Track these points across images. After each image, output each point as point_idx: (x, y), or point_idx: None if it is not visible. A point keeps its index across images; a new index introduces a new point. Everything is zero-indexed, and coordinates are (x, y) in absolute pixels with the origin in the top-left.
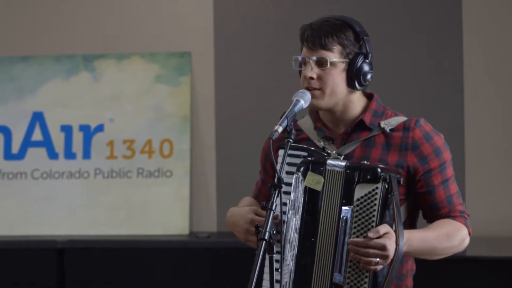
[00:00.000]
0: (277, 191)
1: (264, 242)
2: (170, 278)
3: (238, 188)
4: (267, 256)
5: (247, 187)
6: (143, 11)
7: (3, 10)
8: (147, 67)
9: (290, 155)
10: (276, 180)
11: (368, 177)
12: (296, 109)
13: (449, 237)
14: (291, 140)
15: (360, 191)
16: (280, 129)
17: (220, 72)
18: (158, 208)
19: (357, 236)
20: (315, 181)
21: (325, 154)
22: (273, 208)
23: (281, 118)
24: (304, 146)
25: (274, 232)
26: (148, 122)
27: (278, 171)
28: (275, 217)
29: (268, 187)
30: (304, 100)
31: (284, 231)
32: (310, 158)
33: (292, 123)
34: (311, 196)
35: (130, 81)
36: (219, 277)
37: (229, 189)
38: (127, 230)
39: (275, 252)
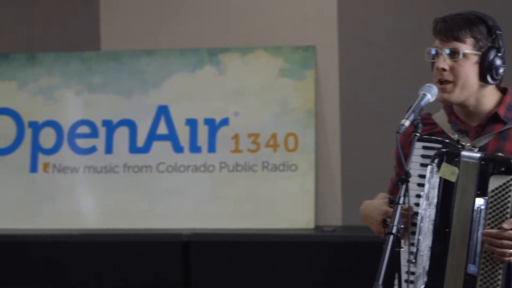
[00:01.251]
0: (404, 185)
1: (392, 236)
2: (295, 271)
3: (363, 182)
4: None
5: (372, 180)
6: (267, 5)
7: (128, 4)
8: (272, 61)
9: (425, 148)
10: (404, 174)
11: (503, 168)
12: (423, 103)
13: None
14: (417, 134)
15: (494, 183)
16: (407, 123)
17: (344, 65)
18: (283, 202)
19: (491, 228)
20: (449, 172)
21: (459, 146)
22: (401, 202)
23: (407, 111)
24: (439, 138)
25: (402, 226)
26: (273, 116)
27: (405, 164)
28: (405, 209)
29: (395, 181)
30: (431, 94)
31: (418, 222)
32: (444, 150)
33: (419, 117)
34: (445, 187)
35: (254, 74)
36: (343, 271)
37: (354, 182)
38: (252, 223)
39: (403, 246)
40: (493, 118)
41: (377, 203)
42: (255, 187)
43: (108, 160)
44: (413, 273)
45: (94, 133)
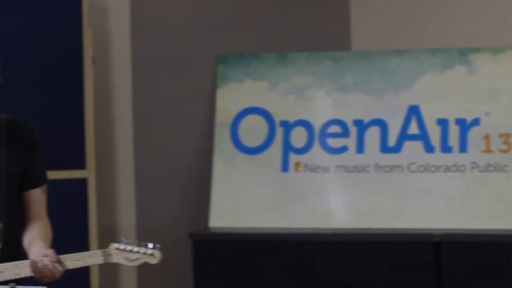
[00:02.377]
0: None
1: None
2: None
3: None
4: None
5: None
6: None
7: (379, 4)
8: None
9: None
10: None
11: None
12: None
13: None
14: None
15: None
16: None
17: None
18: None
19: None
20: None
21: None
22: None
23: None
24: None
25: None
26: None
27: None
28: None
29: None
30: None
31: None
32: None
33: None
34: None
35: (506, 74)
36: None
37: None
38: (505, 225)
39: None
40: None
41: None
42: (507, 188)
43: (359, 159)
44: None
45: (345, 133)
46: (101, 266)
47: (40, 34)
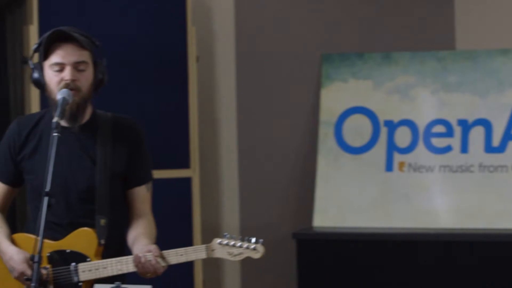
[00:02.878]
0: None
1: None
2: None
3: None
4: None
5: None
6: None
7: (484, 3)
8: None
9: None
10: None
11: None
12: None
13: None
14: None
15: None
16: None
17: None
18: None
19: None
20: None
21: None
22: None
23: None
24: None
25: None
26: None
27: None
28: None
29: None
30: None
31: None
32: None
33: None
34: None
35: None
36: None
37: None
38: None
39: None
40: None
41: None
42: None
43: (464, 159)
44: None
45: (449, 133)
46: (204, 263)
47: (145, 34)
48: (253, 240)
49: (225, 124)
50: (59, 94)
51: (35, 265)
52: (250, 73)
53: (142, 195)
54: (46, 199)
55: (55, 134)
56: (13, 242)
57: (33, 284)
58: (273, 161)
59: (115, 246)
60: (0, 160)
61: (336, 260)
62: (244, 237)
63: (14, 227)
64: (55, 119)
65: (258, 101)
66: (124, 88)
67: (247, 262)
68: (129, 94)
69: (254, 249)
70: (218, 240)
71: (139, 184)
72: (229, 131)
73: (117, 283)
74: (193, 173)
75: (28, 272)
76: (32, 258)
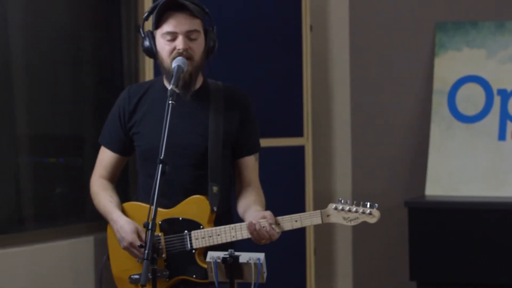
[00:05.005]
0: None
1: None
2: None
3: None
4: None
5: None
6: None
7: None
8: None
9: None
10: None
11: None
12: None
13: None
14: None
15: None
16: None
17: None
18: None
19: None
20: None
21: None
22: None
23: None
24: None
25: None
26: None
27: None
28: None
29: None
30: None
31: None
32: None
33: None
34: None
35: None
36: None
37: None
38: None
39: None
40: None
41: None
42: None
43: None
44: None
45: None
46: (316, 231)
47: (259, 3)
48: (368, 204)
49: (338, 92)
50: (174, 62)
51: (149, 232)
52: (364, 42)
53: (251, 164)
54: (160, 166)
55: (170, 102)
56: (124, 211)
57: (146, 251)
58: (385, 129)
59: (226, 213)
60: (110, 128)
61: (447, 229)
62: (359, 202)
63: (126, 196)
64: (170, 87)
65: (371, 70)
66: (239, 57)
67: (358, 230)
68: (244, 63)
69: (370, 213)
70: (333, 205)
71: (249, 153)
72: (342, 100)
73: (231, 250)
74: (306, 141)
75: (137, 242)
76: (145, 225)
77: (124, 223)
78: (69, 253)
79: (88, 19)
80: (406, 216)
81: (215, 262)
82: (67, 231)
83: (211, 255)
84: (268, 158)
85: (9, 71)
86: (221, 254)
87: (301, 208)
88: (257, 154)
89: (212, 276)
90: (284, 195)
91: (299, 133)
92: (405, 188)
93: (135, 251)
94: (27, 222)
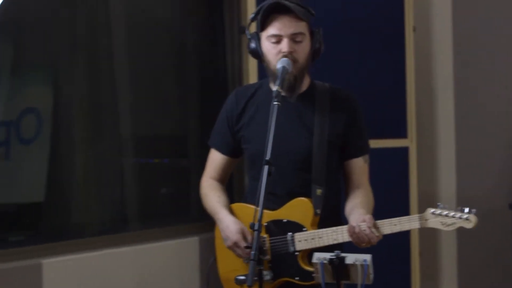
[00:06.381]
0: None
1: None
2: None
3: None
4: None
5: None
6: None
7: None
8: None
9: None
10: None
11: None
12: None
13: None
14: None
15: None
16: None
17: None
18: None
19: None
20: None
21: None
22: None
23: None
24: None
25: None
26: None
27: None
28: None
29: None
30: None
31: None
32: None
33: None
34: None
35: None
36: None
37: None
38: None
39: None
40: None
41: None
42: None
43: None
44: None
45: None
46: (420, 234)
47: (363, 4)
48: (466, 210)
49: (442, 93)
50: (279, 63)
51: (255, 233)
52: (467, 42)
53: (359, 166)
54: (266, 168)
55: (276, 103)
56: (231, 211)
57: (253, 252)
58: (490, 130)
59: (331, 216)
60: (219, 131)
61: None
62: (457, 207)
63: (231, 198)
64: (275, 88)
65: (475, 70)
66: (342, 59)
67: (463, 233)
68: (347, 64)
69: (467, 219)
70: (431, 210)
71: (357, 155)
72: (446, 100)
73: (337, 251)
74: (410, 142)
75: (242, 243)
76: (252, 226)
77: (230, 222)
78: (174, 253)
79: (192, 21)
80: (510, 218)
81: (322, 264)
82: (172, 232)
83: (318, 256)
84: (371, 159)
85: (112, 72)
86: (328, 255)
87: (405, 210)
88: (366, 156)
89: (319, 277)
90: (388, 197)
91: (402, 134)
92: (510, 190)
93: (239, 251)
94: (132, 222)
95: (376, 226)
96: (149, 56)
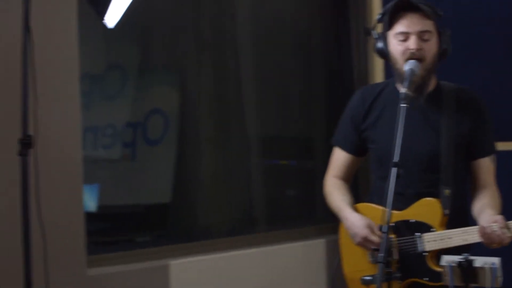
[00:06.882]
0: None
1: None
2: None
3: None
4: None
5: None
6: None
7: None
8: None
9: None
10: None
11: None
12: None
13: None
14: None
15: None
16: None
17: None
18: None
19: None
20: None
21: None
22: None
23: None
24: None
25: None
26: None
27: None
28: None
29: None
30: None
31: None
32: None
33: None
34: None
35: None
36: None
37: None
38: None
39: None
40: None
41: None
42: None
43: None
44: None
45: None
46: None
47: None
48: None
49: None
50: (406, 65)
51: (384, 235)
52: None
53: (486, 166)
54: (394, 170)
55: (403, 105)
56: (356, 211)
57: (381, 254)
58: None
59: (459, 216)
60: (344, 130)
61: None
62: None
63: (357, 197)
64: (402, 90)
65: None
66: (469, 60)
67: None
68: (473, 65)
69: None
70: None
71: (484, 155)
72: None
73: (465, 254)
74: None
75: (371, 237)
76: (380, 228)
77: (355, 219)
78: (300, 255)
79: (318, 22)
80: None
81: (451, 267)
82: (299, 233)
83: (446, 259)
84: (499, 161)
85: (238, 72)
86: (456, 258)
87: None
88: (493, 156)
89: (447, 280)
90: None
91: None
92: None
93: (370, 245)
94: (259, 223)
95: (507, 227)
96: (275, 57)
